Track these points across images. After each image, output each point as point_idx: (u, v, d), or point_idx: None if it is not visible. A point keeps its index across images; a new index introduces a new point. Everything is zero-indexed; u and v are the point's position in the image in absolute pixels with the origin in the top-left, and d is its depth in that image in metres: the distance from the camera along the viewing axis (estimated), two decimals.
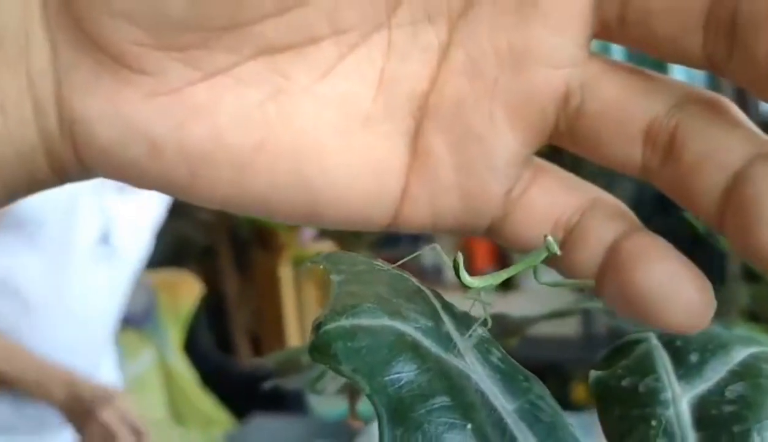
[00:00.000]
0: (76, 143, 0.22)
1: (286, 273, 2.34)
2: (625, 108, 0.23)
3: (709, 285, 0.21)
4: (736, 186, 0.21)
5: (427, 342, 0.19)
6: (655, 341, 0.23)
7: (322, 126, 0.23)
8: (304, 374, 0.39)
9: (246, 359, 2.21)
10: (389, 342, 0.18)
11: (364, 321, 0.18)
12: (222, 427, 1.91)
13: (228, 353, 2.19)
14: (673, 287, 0.21)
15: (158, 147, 0.22)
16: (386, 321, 0.18)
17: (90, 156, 0.22)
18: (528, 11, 0.23)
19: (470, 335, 0.20)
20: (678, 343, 0.23)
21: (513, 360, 0.21)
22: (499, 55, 0.23)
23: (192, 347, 1.95)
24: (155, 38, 0.21)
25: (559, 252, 0.22)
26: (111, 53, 0.22)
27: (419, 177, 0.24)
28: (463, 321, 0.21)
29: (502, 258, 2.49)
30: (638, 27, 0.22)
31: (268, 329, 2.32)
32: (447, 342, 0.19)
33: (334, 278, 0.20)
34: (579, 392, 2.30)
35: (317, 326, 0.18)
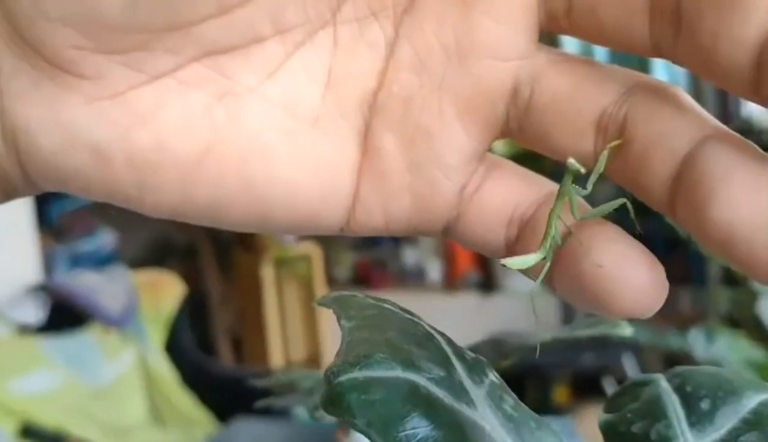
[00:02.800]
0: (19, 154, 0.22)
1: (267, 273, 2.33)
2: (575, 99, 0.23)
3: (660, 267, 0.21)
4: (684, 170, 0.21)
5: (440, 393, 0.18)
6: (664, 384, 0.23)
7: (270, 127, 0.23)
8: (303, 397, 0.38)
9: (228, 360, 2.21)
10: (403, 395, 0.18)
11: (378, 373, 0.18)
12: (203, 428, 1.90)
13: (209, 353, 2.18)
14: (621, 271, 0.21)
15: (103, 154, 0.22)
16: (399, 372, 0.18)
17: (34, 167, 0.22)
18: (473, 3, 0.23)
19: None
20: (688, 388, 0.22)
21: (525, 407, 0.21)
22: (446, 49, 0.23)
23: (173, 348, 1.95)
24: (93, 41, 0.21)
25: (583, 170, 0.21)
26: (50, 59, 0.21)
27: (370, 178, 0.23)
28: (475, 368, 0.21)
29: (483, 259, 2.50)
30: (585, 16, 0.22)
31: (249, 329, 2.31)
32: (460, 392, 0.19)
33: (345, 323, 0.20)
34: (560, 394, 2.31)
35: (330, 376, 0.18)
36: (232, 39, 0.22)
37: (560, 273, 0.22)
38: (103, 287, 1.88)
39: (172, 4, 0.21)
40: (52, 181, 0.22)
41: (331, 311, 0.22)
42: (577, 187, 0.22)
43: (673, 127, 0.21)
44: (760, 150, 0.20)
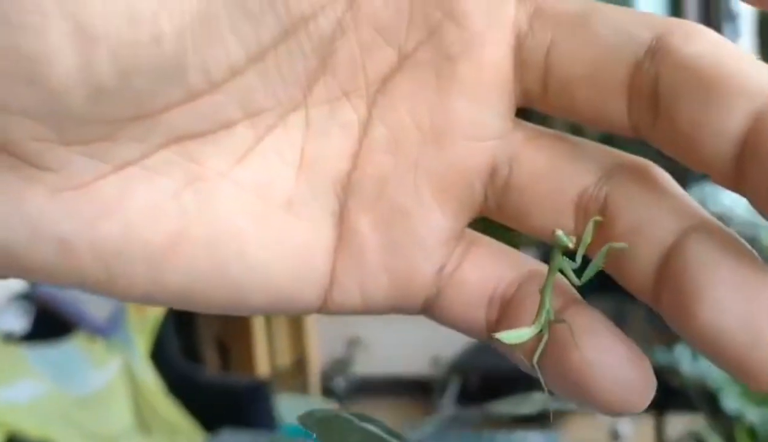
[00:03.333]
0: None
1: None
2: (554, 179, 0.22)
3: (647, 363, 0.21)
4: (668, 263, 0.20)
5: None
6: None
7: (242, 213, 0.22)
8: None
9: (214, 367, 2.20)
10: None
11: None
12: (188, 436, 1.90)
13: (196, 361, 2.18)
14: (607, 366, 0.21)
15: (68, 246, 0.21)
16: None
17: None
18: (447, 83, 0.22)
19: None
20: None
21: None
22: (421, 129, 0.23)
23: (159, 356, 1.94)
24: (56, 133, 0.20)
25: (571, 245, 0.21)
26: (11, 151, 0.20)
27: (346, 259, 0.23)
28: None
29: None
30: (561, 95, 0.22)
31: (236, 337, 2.30)
32: None
33: None
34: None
35: None
36: (201, 125, 0.21)
37: (545, 364, 0.22)
38: (88, 295, 1.87)
39: (137, 93, 0.20)
40: (15, 272, 0.22)
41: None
42: (566, 259, 0.22)
43: (656, 215, 0.21)
44: (744, 243, 0.20)
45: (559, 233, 0.21)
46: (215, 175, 0.22)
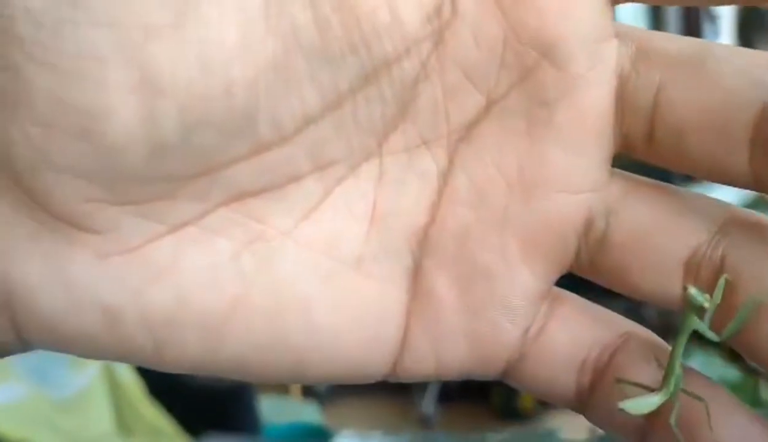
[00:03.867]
0: (14, 316, 0.19)
1: None
2: (660, 237, 0.20)
3: None
4: None
5: None
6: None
7: (307, 274, 0.20)
8: None
9: None
10: None
11: None
12: (170, 439, 1.89)
13: None
14: None
15: (114, 315, 0.19)
16: None
17: (31, 329, 0.19)
18: (540, 130, 0.20)
19: None
20: None
21: None
22: (508, 180, 0.21)
23: None
24: (110, 193, 0.18)
25: (706, 304, 0.19)
26: (55, 212, 0.19)
27: (421, 323, 0.21)
28: None
29: None
30: (670, 145, 0.20)
31: None
32: None
33: None
34: (525, 401, 2.32)
35: None
36: (266, 180, 0.20)
37: (657, 430, 0.20)
38: None
39: (203, 149, 0.19)
40: (53, 343, 0.20)
41: None
42: (698, 320, 0.20)
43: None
44: None
45: (693, 290, 0.19)
46: (278, 234, 0.20)
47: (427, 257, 0.21)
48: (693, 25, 2.06)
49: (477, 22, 0.20)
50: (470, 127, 0.21)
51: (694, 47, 0.20)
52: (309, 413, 1.74)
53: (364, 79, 0.20)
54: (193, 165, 0.19)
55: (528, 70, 0.20)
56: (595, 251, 0.21)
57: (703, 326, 0.20)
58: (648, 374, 0.21)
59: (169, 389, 2.03)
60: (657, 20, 2.09)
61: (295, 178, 0.20)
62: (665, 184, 0.22)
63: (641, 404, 0.20)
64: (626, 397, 0.20)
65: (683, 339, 0.20)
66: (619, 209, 0.21)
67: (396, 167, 0.21)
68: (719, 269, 0.20)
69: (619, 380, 0.20)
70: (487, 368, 0.22)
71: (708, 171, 0.20)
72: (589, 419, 0.22)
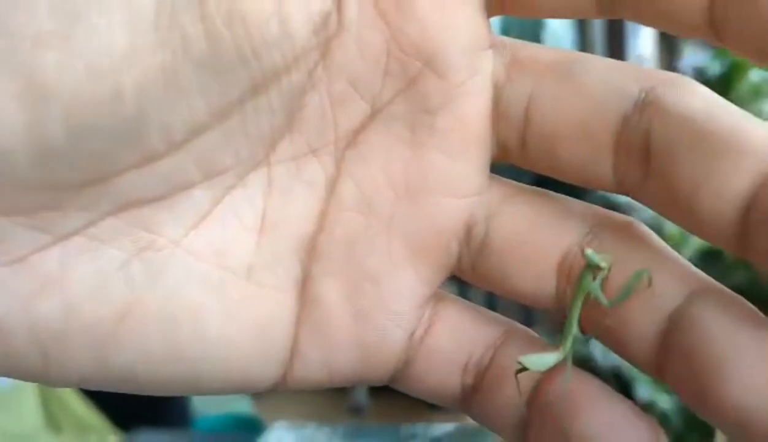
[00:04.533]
0: None
1: None
2: (535, 239, 0.21)
3: (660, 432, 0.20)
4: (676, 332, 0.19)
5: None
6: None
7: (198, 284, 0.20)
8: None
9: None
10: None
11: None
12: (100, 433, 1.86)
13: None
14: (617, 439, 0.19)
15: (0, 328, 0.19)
16: None
17: None
18: (424, 137, 0.21)
19: None
20: None
21: None
22: (394, 186, 0.21)
23: None
24: None
25: (603, 265, 0.19)
26: None
27: (311, 330, 0.21)
28: None
29: None
30: (541, 150, 0.21)
31: None
32: None
33: None
34: None
35: None
36: (155, 189, 0.19)
37: (538, 433, 0.20)
38: None
39: (91, 156, 0.18)
40: None
41: None
42: (597, 289, 0.20)
43: (654, 278, 0.19)
44: (750, 305, 0.18)
45: (590, 252, 0.20)
46: (168, 243, 0.20)
47: (315, 264, 0.21)
48: (616, 32, 2.06)
49: (362, 34, 0.20)
50: (356, 135, 0.21)
51: (564, 58, 0.21)
52: (241, 405, 1.73)
53: (253, 89, 0.19)
54: (81, 173, 0.18)
55: (411, 79, 0.21)
56: (476, 254, 0.21)
57: (596, 288, 0.20)
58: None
59: None
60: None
61: (184, 187, 0.20)
62: (540, 189, 0.22)
63: (540, 361, 0.20)
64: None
65: (579, 300, 0.20)
66: (498, 214, 0.21)
67: (284, 176, 0.21)
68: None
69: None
70: (376, 374, 0.22)
71: (577, 176, 0.21)
72: (473, 418, 0.22)
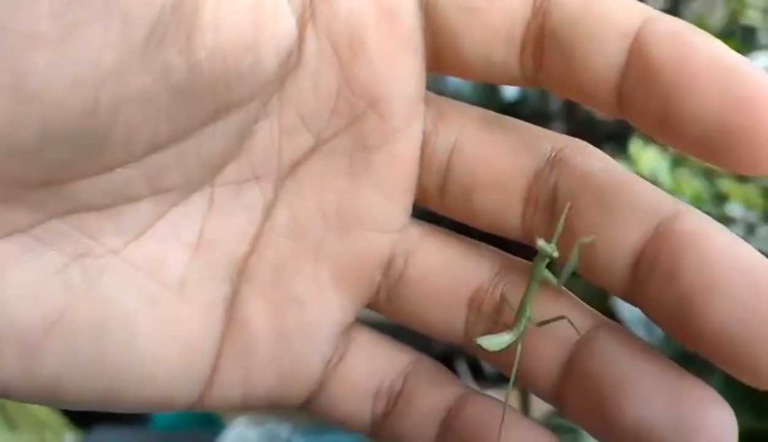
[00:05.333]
0: None
1: None
2: (449, 276, 0.22)
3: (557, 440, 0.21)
4: (578, 363, 0.21)
5: None
6: None
7: (132, 294, 0.20)
8: None
9: None
10: None
11: None
12: (56, 431, 1.84)
13: None
14: None
15: None
16: None
17: None
18: (359, 172, 0.22)
19: None
20: None
21: None
22: (326, 216, 0.22)
23: None
24: None
25: (556, 255, 0.21)
26: None
27: (234, 349, 0.22)
28: None
29: None
30: (459, 197, 0.22)
31: None
32: None
33: None
34: None
35: None
36: (104, 198, 0.20)
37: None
38: None
39: (54, 160, 0.18)
40: None
41: None
42: (548, 272, 0.22)
43: (557, 312, 0.21)
44: (644, 341, 0.20)
45: (542, 243, 0.21)
46: (107, 251, 0.20)
47: (245, 284, 0.22)
48: None
49: (317, 71, 0.21)
50: (297, 165, 0.22)
51: (487, 115, 0.22)
52: None
53: (215, 115, 0.20)
54: (39, 174, 0.19)
55: (355, 118, 0.22)
56: (393, 287, 0.23)
57: (548, 274, 0.22)
58: (438, 395, 0.22)
59: None
60: None
61: (132, 199, 0.20)
62: (454, 232, 0.24)
63: (495, 341, 0.22)
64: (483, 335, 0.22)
65: (534, 285, 0.22)
66: (416, 251, 0.23)
67: (225, 199, 0.22)
68: (499, 305, 0.22)
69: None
70: (290, 398, 0.23)
71: (488, 223, 0.22)
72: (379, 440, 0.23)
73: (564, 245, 0.21)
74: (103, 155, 0.19)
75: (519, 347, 0.22)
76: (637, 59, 0.19)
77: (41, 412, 1.89)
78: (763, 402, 0.61)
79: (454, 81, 1.17)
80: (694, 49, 0.18)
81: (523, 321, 0.22)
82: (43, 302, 0.19)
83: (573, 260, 0.21)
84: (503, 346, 0.22)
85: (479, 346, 0.22)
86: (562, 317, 0.21)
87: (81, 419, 1.75)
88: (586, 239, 0.21)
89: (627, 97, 0.19)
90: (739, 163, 0.18)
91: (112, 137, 0.19)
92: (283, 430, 1.13)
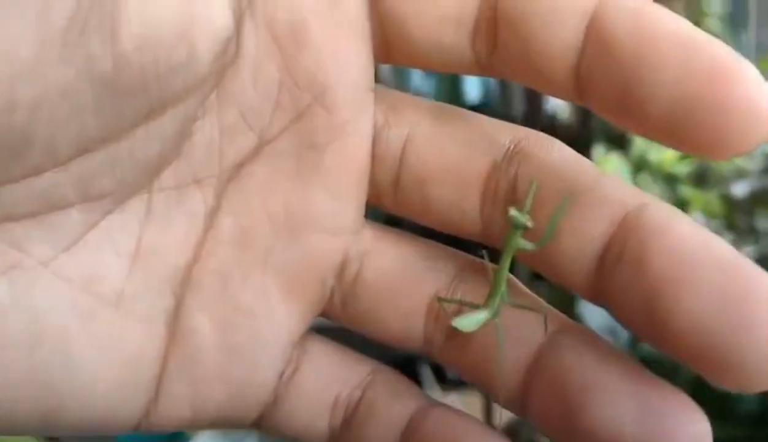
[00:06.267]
0: None
1: None
2: (406, 279, 0.21)
3: None
4: (542, 368, 0.20)
5: None
6: None
7: (66, 309, 0.19)
8: None
9: None
10: None
11: None
12: (25, 439, 1.81)
13: None
14: None
15: None
16: None
17: None
18: (308, 172, 0.21)
19: None
20: None
21: None
22: (274, 221, 0.21)
23: None
24: None
25: (530, 224, 0.20)
26: None
27: (179, 364, 0.20)
28: None
29: None
30: (413, 193, 0.21)
31: None
32: None
33: None
34: None
35: None
36: (30, 206, 0.18)
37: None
38: None
39: None
40: None
41: None
42: (523, 241, 0.20)
43: (519, 319, 0.20)
44: (606, 341, 0.20)
45: (514, 212, 0.20)
46: (37, 264, 0.19)
47: (189, 296, 0.21)
48: None
49: (257, 62, 0.20)
50: (241, 167, 0.21)
51: (441, 107, 0.21)
52: None
53: (148, 114, 0.19)
54: None
55: (300, 113, 0.20)
56: (347, 293, 0.22)
57: (524, 243, 0.20)
58: (398, 407, 0.21)
59: None
60: None
61: (61, 206, 0.19)
62: (410, 234, 0.23)
63: (470, 321, 0.21)
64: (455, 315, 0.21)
65: (508, 258, 0.21)
66: (371, 253, 0.22)
67: (164, 205, 0.20)
68: (458, 311, 0.21)
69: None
70: (242, 413, 0.21)
71: (443, 221, 0.21)
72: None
73: (527, 235, 0.20)
74: (25, 158, 0.17)
75: (498, 323, 0.21)
76: (596, 37, 0.18)
77: None
78: (728, 410, 0.60)
79: (415, 83, 1.16)
80: (656, 23, 0.18)
81: (498, 297, 0.21)
82: None
83: (556, 218, 0.20)
84: (480, 324, 0.21)
85: (455, 328, 0.21)
86: (538, 309, 0.21)
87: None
88: (564, 200, 0.20)
89: (586, 77, 0.18)
90: (704, 145, 0.17)
91: (34, 138, 0.17)
92: (251, 440, 1.12)
